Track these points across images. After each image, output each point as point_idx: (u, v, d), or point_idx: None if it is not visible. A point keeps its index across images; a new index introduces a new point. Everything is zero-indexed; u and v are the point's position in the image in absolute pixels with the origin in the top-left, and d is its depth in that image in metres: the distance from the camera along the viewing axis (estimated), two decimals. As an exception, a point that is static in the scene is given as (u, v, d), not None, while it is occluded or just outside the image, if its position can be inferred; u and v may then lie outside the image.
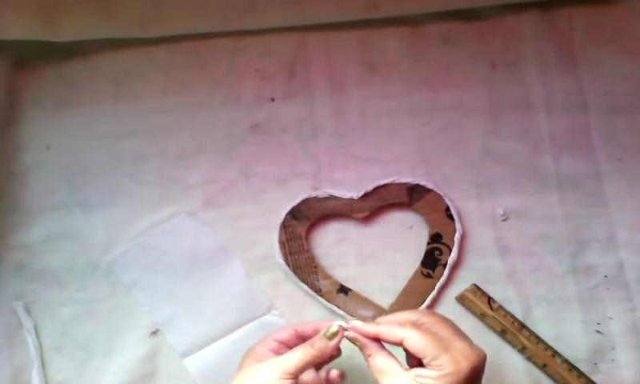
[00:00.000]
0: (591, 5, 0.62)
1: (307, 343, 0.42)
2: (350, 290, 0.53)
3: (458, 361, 0.37)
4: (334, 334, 0.41)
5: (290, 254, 0.54)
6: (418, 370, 0.38)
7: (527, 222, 0.55)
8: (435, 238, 0.54)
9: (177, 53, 0.62)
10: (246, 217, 0.56)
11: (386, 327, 0.40)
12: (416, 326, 0.40)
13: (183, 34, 0.61)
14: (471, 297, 0.52)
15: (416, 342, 0.38)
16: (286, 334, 0.44)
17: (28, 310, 0.54)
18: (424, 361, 0.38)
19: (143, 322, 0.53)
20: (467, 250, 0.54)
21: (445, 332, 0.39)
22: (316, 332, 0.43)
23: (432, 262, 0.53)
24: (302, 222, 0.55)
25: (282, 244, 0.54)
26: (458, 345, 0.38)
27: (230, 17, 0.60)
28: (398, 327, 0.40)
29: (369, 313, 0.52)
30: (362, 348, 0.41)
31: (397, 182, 0.55)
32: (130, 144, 0.59)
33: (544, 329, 0.52)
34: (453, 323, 0.41)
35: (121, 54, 0.62)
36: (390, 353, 0.40)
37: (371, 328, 0.41)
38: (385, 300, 0.53)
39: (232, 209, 0.56)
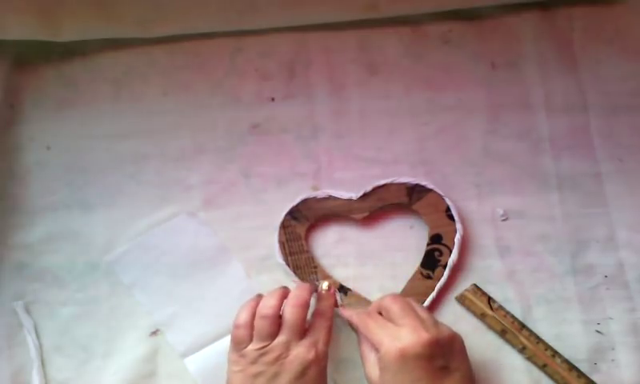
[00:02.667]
0: (591, 5, 0.62)
1: (319, 316, 0.47)
2: (349, 289, 0.53)
3: (389, 343, 0.42)
4: (328, 289, 0.50)
5: (290, 255, 0.54)
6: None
7: (527, 221, 0.55)
8: (435, 239, 0.54)
9: (177, 53, 0.62)
10: (246, 217, 0.56)
11: (358, 316, 0.47)
12: (376, 312, 0.46)
13: (183, 34, 0.61)
14: (471, 297, 0.52)
15: (362, 328, 0.45)
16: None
17: (28, 310, 0.54)
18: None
19: (143, 322, 0.53)
20: (467, 250, 0.54)
21: (396, 316, 0.44)
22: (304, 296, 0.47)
23: (432, 262, 0.53)
24: (302, 223, 0.55)
25: (281, 244, 0.54)
26: (399, 329, 0.43)
27: (230, 17, 0.60)
28: (362, 316, 0.46)
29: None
30: (356, 331, 0.47)
31: (396, 182, 0.55)
32: (130, 144, 0.59)
33: (544, 329, 0.52)
34: (408, 306, 0.45)
35: (121, 54, 0.62)
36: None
37: (346, 313, 0.48)
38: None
39: (232, 209, 0.57)
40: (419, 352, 0.41)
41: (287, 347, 0.44)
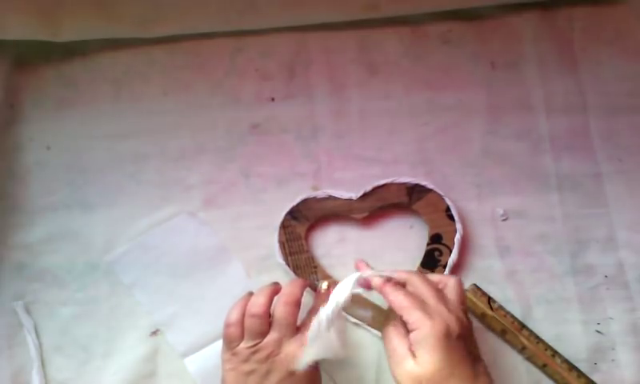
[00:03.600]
0: (591, 5, 0.62)
1: (313, 313, 0.45)
2: (349, 290, 0.53)
3: (432, 323, 0.40)
4: (327, 289, 0.48)
5: (290, 254, 0.54)
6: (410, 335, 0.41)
7: (527, 221, 0.55)
8: (435, 239, 0.54)
9: (177, 53, 0.62)
10: (246, 217, 0.56)
11: (393, 292, 0.43)
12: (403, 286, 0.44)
13: (183, 34, 0.61)
14: (471, 297, 0.52)
15: (396, 306, 0.42)
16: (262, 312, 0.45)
17: (28, 310, 0.54)
18: (404, 319, 0.41)
19: (143, 322, 0.53)
20: (467, 251, 0.54)
21: (428, 296, 0.42)
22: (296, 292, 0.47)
23: (432, 262, 0.53)
24: (302, 223, 0.55)
25: (281, 244, 0.54)
26: (438, 309, 0.41)
27: (230, 17, 0.60)
28: (397, 293, 0.43)
29: (368, 313, 0.52)
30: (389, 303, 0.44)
31: (396, 182, 0.55)
32: (130, 144, 0.59)
33: (544, 329, 0.52)
34: (439, 292, 0.43)
35: (121, 54, 0.62)
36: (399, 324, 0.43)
37: (378, 282, 0.45)
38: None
39: (232, 209, 0.57)
40: (461, 332, 0.40)
41: (279, 345, 0.44)
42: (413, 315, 0.40)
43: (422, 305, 0.41)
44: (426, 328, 0.40)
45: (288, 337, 0.45)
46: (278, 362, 0.44)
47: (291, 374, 0.44)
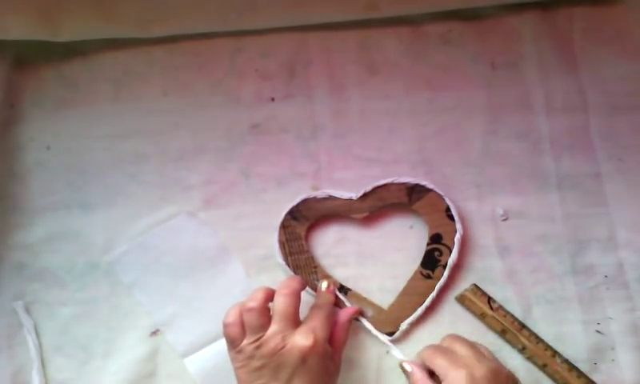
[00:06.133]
0: (591, 5, 0.62)
1: (316, 308, 0.48)
2: (349, 289, 0.53)
3: (457, 369, 0.42)
4: (327, 287, 0.51)
5: (290, 254, 0.54)
6: None
7: (527, 221, 0.55)
8: (435, 239, 0.54)
9: (177, 53, 0.62)
10: (246, 217, 0.56)
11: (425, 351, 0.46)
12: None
13: (183, 34, 0.61)
14: (471, 297, 0.52)
15: (428, 361, 0.45)
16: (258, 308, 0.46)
17: (28, 310, 0.54)
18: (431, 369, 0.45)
19: (143, 322, 0.53)
20: (467, 250, 0.54)
21: (459, 350, 0.45)
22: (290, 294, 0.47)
23: (432, 262, 0.53)
24: (302, 223, 0.55)
25: (281, 244, 0.54)
26: (465, 357, 0.44)
27: (230, 17, 0.60)
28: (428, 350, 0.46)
29: (368, 313, 0.52)
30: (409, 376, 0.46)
31: (396, 182, 0.55)
32: (130, 144, 0.59)
33: (544, 329, 0.52)
34: (470, 344, 0.46)
35: (121, 54, 0.62)
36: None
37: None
38: (384, 300, 0.53)
39: (232, 209, 0.56)
40: (485, 375, 0.42)
41: (282, 338, 0.44)
42: (439, 366, 0.43)
43: (449, 356, 0.44)
44: (449, 377, 0.42)
45: (291, 329, 0.45)
46: (286, 355, 0.43)
47: (301, 364, 0.43)
